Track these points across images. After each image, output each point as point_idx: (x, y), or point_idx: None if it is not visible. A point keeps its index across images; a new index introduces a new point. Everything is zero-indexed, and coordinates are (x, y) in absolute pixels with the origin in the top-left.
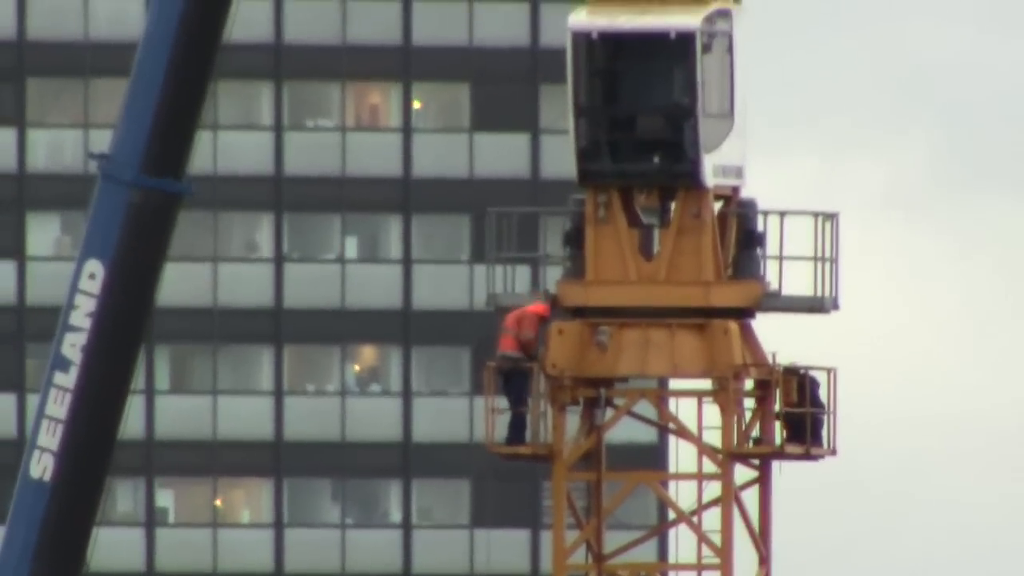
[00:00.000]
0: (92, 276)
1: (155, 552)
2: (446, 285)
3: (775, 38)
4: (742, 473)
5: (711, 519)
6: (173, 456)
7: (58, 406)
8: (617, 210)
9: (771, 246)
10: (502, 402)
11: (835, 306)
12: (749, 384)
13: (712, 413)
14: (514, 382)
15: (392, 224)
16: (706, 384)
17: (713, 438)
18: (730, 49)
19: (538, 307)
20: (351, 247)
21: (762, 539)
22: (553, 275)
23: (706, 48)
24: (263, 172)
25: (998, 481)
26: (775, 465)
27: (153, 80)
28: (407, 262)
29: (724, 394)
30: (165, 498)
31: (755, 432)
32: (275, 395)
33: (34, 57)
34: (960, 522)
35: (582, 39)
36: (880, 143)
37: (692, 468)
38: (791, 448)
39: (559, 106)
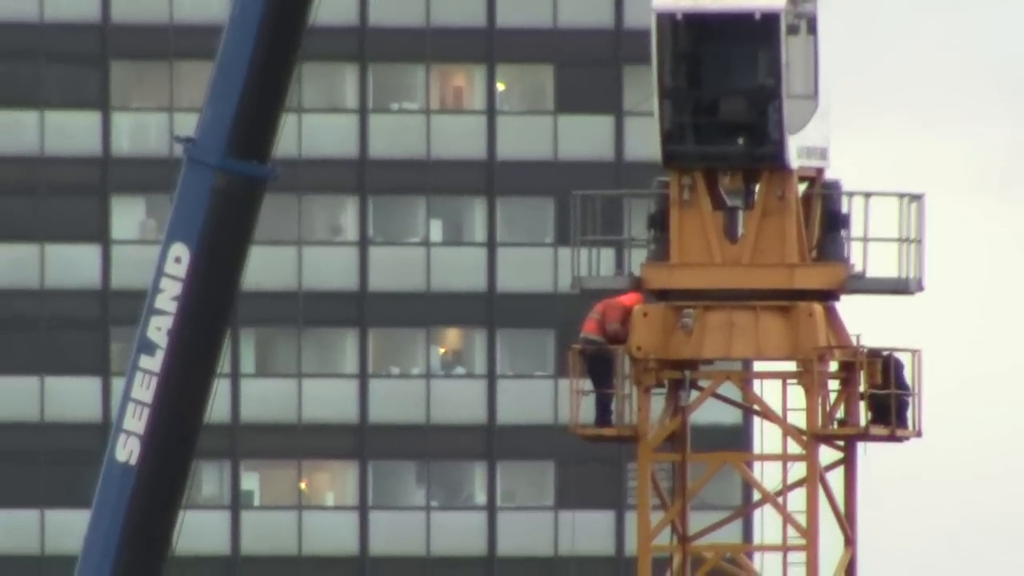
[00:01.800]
0: (178, 260)
1: (240, 535)
2: (530, 268)
3: (860, 20)
4: (827, 455)
5: (796, 500)
6: (258, 439)
7: (144, 389)
8: (701, 192)
9: (856, 227)
10: (586, 384)
11: (920, 287)
12: (834, 366)
13: (797, 395)
14: (599, 364)
15: (476, 207)
16: (790, 366)
17: (798, 420)
18: (814, 30)
19: (629, 297)
20: (435, 230)
21: (847, 520)
22: (638, 258)
23: (791, 29)
24: (347, 155)
25: None
26: (860, 446)
27: (238, 63)
28: (491, 245)
29: (808, 376)
30: (250, 481)
31: (840, 414)
32: (359, 378)
33: (118, 40)
34: None
35: (667, 21)
36: (966, 125)
37: (777, 449)
38: (876, 430)
39: (643, 88)
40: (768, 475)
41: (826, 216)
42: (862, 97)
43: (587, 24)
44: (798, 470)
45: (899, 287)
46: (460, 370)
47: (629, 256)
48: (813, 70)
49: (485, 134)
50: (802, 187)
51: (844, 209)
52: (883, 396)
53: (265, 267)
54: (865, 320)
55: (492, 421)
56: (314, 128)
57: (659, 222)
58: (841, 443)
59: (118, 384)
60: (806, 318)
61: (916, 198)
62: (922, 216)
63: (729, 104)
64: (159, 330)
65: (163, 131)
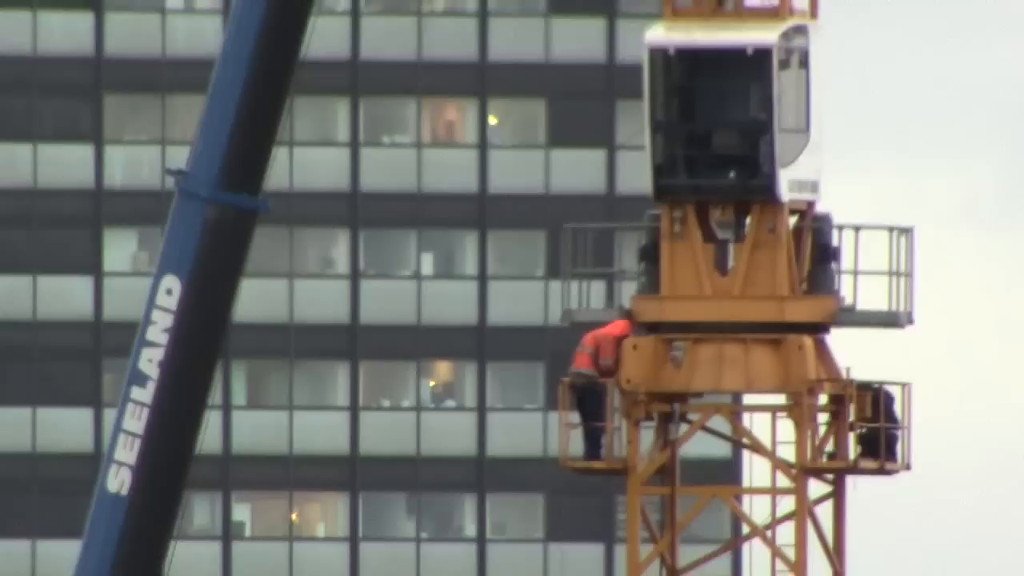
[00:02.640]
0: (169, 292)
1: (231, 566)
2: (521, 301)
3: (852, 54)
4: (816, 488)
5: (785, 534)
6: (249, 470)
7: (135, 421)
8: (692, 225)
9: (846, 261)
10: (576, 417)
11: (910, 321)
12: (823, 399)
13: (786, 428)
14: (589, 397)
15: (468, 240)
16: (780, 399)
17: (787, 453)
18: (806, 64)
19: (617, 325)
20: (427, 263)
21: (836, 554)
22: (628, 291)
23: (783, 64)
24: (339, 188)
25: None
26: (849, 480)
27: (230, 96)
28: (483, 278)
29: (798, 409)
30: (241, 512)
31: (829, 447)
32: (350, 410)
33: (111, 73)
34: None
35: (659, 55)
36: (955, 158)
37: (766, 483)
38: (865, 463)
39: (635, 122)
40: (757, 508)
41: (816, 249)
42: (853, 131)
43: (579, 58)
44: (787, 503)
45: (889, 320)
46: (451, 402)
47: (620, 289)
48: (805, 104)
49: (477, 167)
50: (793, 220)
51: (835, 242)
52: (873, 430)
53: (256, 299)
54: (855, 353)
55: (482, 453)
56: (306, 161)
57: (650, 255)
58: (830, 476)
59: (110, 415)
60: (796, 351)
61: (906, 231)
62: (912, 249)
63: (721, 138)
64: (151, 362)
65: (155, 164)
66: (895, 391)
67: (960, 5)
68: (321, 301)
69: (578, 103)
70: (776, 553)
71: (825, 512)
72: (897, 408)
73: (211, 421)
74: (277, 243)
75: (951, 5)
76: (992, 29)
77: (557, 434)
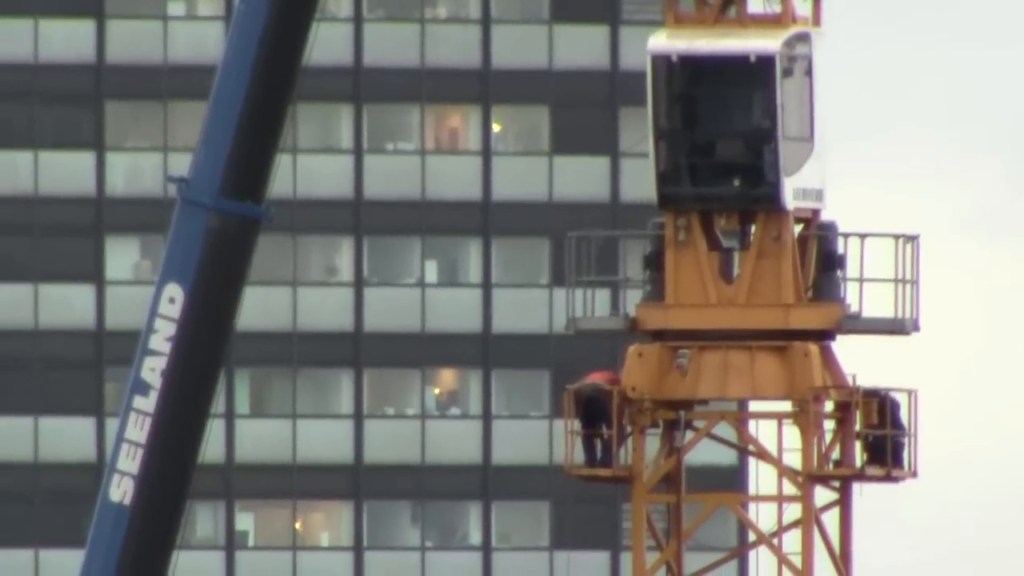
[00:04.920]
0: (172, 300)
1: (235, 575)
2: (526, 309)
3: (855, 62)
4: (822, 495)
5: (791, 541)
6: (253, 480)
7: (138, 430)
8: (697, 233)
9: (851, 268)
10: (581, 424)
11: (916, 328)
12: (829, 406)
13: (792, 435)
14: (593, 406)
15: (472, 248)
16: (786, 406)
17: (793, 460)
18: (810, 72)
19: (603, 375)
20: (431, 271)
21: (843, 561)
22: (633, 299)
23: (786, 72)
24: (343, 196)
25: None
26: (856, 487)
27: (232, 104)
28: (487, 286)
29: (804, 416)
30: (245, 521)
31: (835, 454)
32: (354, 418)
33: (113, 81)
34: None
35: (662, 62)
36: (961, 165)
37: (772, 490)
38: (872, 470)
39: (639, 129)
40: (763, 516)
41: (822, 257)
42: (857, 139)
43: (583, 65)
44: (793, 511)
45: (895, 327)
46: (455, 410)
47: (624, 297)
48: (809, 112)
49: (480, 175)
50: (798, 228)
51: (840, 250)
52: (879, 436)
53: (260, 307)
54: (861, 360)
55: (487, 461)
56: (309, 169)
57: (654, 263)
58: (837, 484)
59: (112, 424)
60: (802, 358)
61: (911, 239)
62: (917, 256)
63: (725, 146)
64: (153, 371)
65: (157, 171)
66: (901, 398)
67: (963, 13)
68: (325, 309)
69: (582, 110)
70: (782, 560)
71: (831, 519)
72: (903, 415)
73: (214, 430)
74: (280, 251)
75: (954, 12)
76: (996, 36)
77: (562, 442)
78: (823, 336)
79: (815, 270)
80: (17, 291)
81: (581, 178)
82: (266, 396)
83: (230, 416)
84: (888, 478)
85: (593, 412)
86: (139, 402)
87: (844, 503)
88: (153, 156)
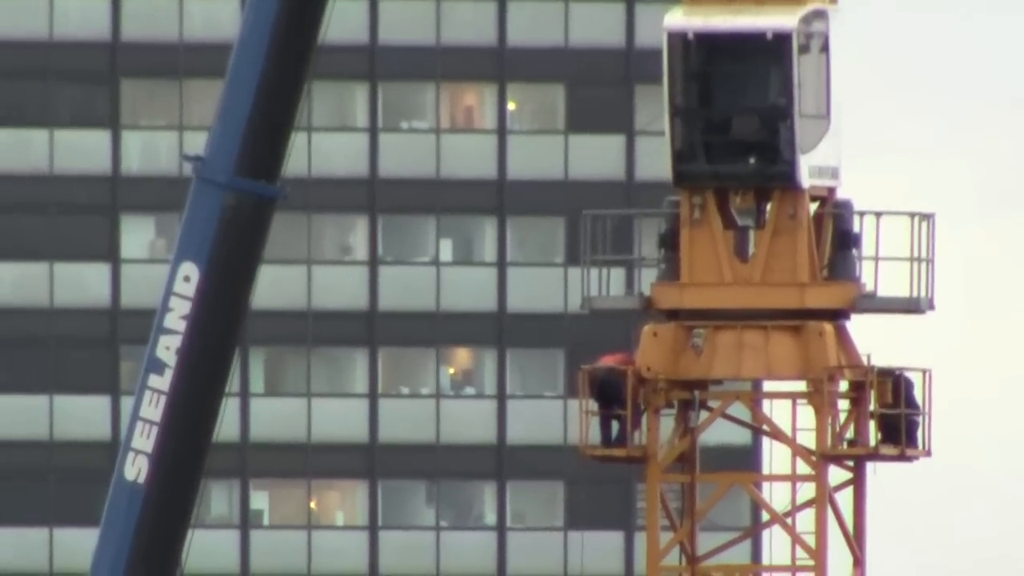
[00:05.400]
0: (187, 279)
1: (250, 554)
2: (540, 288)
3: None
4: (836, 474)
5: (805, 521)
6: (268, 458)
7: (153, 408)
8: (712, 212)
9: (867, 247)
10: (596, 406)
11: (931, 307)
12: (844, 385)
13: (806, 415)
14: (608, 387)
15: (487, 226)
16: (800, 386)
17: (807, 440)
18: (826, 49)
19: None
20: (446, 249)
21: (856, 540)
22: (648, 278)
23: (803, 49)
24: (357, 174)
25: None
26: (869, 466)
27: (247, 82)
28: (502, 264)
29: (818, 396)
30: (260, 500)
31: (849, 433)
32: (369, 397)
33: (128, 59)
34: None
35: (678, 40)
36: (977, 144)
37: (786, 470)
38: (886, 449)
39: (654, 107)
40: (777, 495)
41: (837, 235)
42: (874, 116)
43: (598, 43)
44: (807, 490)
45: (910, 306)
46: (470, 390)
47: (639, 276)
48: (825, 89)
49: (495, 153)
50: (813, 206)
51: (855, 228)
52: (893, 416)
53: (274, 286)
54: (875, 339)
55: (502, 441)
56: (324, 147)
57: (670, 242)
58: (850, 463)
59: (127, 403)
60: (816, 337)
61: (927, 217)
62: (932, 235)
63: (741, 123)
64: (168, 349)
65: (173, 150)
66: (915, 377)
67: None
68: (339, 288)
69: (597, 88)
70: (796, 540)
71: (845, 499)
72: (917, 394)
73: (229, 409)
74: (295, 230)
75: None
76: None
77: (577, 422)
78: (838, 315)
79: (830, 248)
80: (32, 269)
81: (596, 156)
82: (281, 375)
83: (245, 395)
84: (902, 457)
85: (608, 394)
86: (154, 380)
87: (858, 482)
88: (168, 135)
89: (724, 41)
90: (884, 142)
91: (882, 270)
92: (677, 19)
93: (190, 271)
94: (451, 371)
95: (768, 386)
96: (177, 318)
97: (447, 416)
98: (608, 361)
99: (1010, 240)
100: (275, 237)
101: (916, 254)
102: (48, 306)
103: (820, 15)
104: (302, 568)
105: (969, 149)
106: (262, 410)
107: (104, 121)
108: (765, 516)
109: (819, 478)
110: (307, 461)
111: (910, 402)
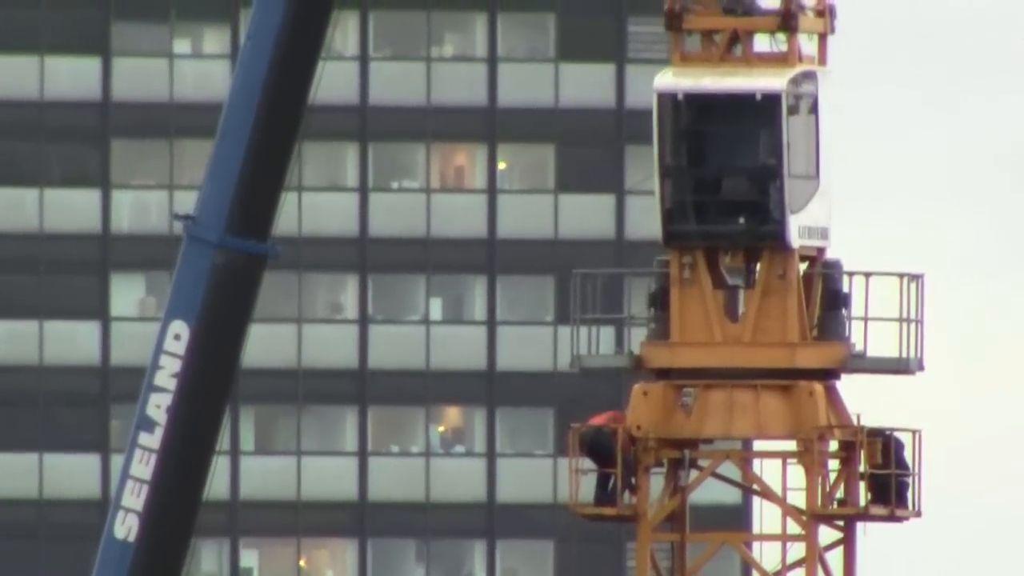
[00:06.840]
0: (177, 337)
1: None
2: (530, 346)
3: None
4: (826, 534)
5: None
6: (258, 516)
7: (143, 466)
8: (702, 271)
9: (856, 307)
10: (586, 463)
11: (920, 367)
12: (834, 445)
13: (796, 474)
14: (598, 449)
15: (477, 285)
16: (791, 445)
17: (797, 499)
18: (815, 110)
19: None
20: (436, 308)
21: None
22: (637, 336)
23: (792, 110)
24: (348, 233)
25: None
26: (860, 527)
27: (238, 141)
28: (491, 323)
29: (808, 455)
30: (250, 558)
31: (839, 493)
32: (359, 455)
33: (119, 118)
34: None
35: (668, 100)
36: (965, 206)
37: (776, 529)
38: (876, 510)
39: (644, 167)
40: (767, 555)
41: (827, 295)
42: (863, 178)
43: (588, 103)
44: (798, 550)
45: (900, 367)
46: (460, 448)
47: (629, 335)
48: (814, 150)
49: (486, 212)
50: (803, 266)
51: (845, 288)
52: (883, 476)
53: (265, 344)
54: (865, 399)
55: (492, 499)
56: (315, 206)
57: (660, 301)
58: (841, 523)
59: (117, 461)
60: (807, 397)
61: (916, 278)
62: (922, 296)
63: (730, 183)
64: (158, 407)
65: (163, 208)
66: (905, 438)
67: (964, 55)
68: (330, 346)
69: (587, 148)
70: None
71: (835, 559)
72: (907, 455)
73: (219, 467)
74: (286, 288)
75: (955, 55)
76: (996, 78)
77: (567, 480)
78: (828, 375)
79: (820, 308)
80: (23, 327)
81: (586, 216)
82: (271, 433)
83: (235, 453)
84: (892, 517)
85: (598, 453)
86: (144, 439)
87: (848, 542)
88: (159, 194)
89: (714, 102)
90: (874, 203)
91: (872, 330)
92: (667, 80)
93: (180, 329)
94: (441, 429)
95: (758, 445)
96: (167, 376)
97: (437, 474)
98: (598, 420)
99: (1000, 301)
100: (266, 295)
101: (906, 315)
102: (38, 363)
103: (809, 76)
104: None
105: (958, 209)
106: (252, 468)
107: (95, 180)
108: None
109: (809, 538)
110: (297, 519)
111: (900, 462)
